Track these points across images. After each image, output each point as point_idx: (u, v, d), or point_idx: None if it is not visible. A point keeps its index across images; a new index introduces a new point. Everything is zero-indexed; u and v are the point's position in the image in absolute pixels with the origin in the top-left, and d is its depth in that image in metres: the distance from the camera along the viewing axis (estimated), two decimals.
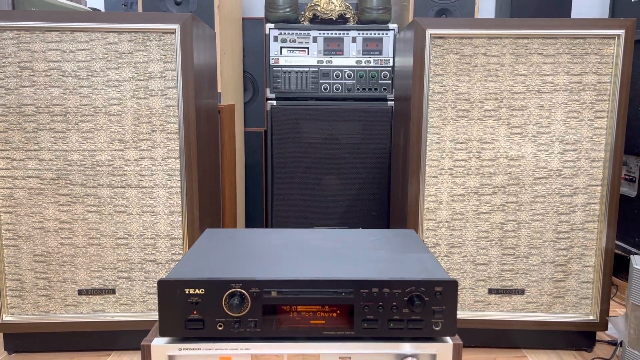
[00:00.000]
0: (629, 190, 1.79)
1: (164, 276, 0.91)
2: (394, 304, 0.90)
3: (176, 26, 1.34)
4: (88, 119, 1.37)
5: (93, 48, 1.34)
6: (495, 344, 1.53)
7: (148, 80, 1.37)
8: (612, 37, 1.36)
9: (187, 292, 0.90)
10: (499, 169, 1.42)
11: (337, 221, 2.56)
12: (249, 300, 0.90)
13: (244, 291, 0.90)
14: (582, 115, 1.39)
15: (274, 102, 2.48)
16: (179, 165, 1.39)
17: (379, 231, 1.23)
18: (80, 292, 1.43)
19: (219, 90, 2.19)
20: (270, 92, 2.50)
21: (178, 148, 1.38)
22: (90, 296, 1.43)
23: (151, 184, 1.40)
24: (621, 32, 1.35)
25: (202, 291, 0.90)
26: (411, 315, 0.91)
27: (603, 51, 1.37)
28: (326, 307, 0.91)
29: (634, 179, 1.77)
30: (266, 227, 2.58)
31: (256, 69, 2.69)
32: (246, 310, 0.90)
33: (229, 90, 2.32)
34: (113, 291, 1.43)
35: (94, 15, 1.33)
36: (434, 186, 1.43)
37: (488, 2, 2.89)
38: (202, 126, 1.49)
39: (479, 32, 1.36)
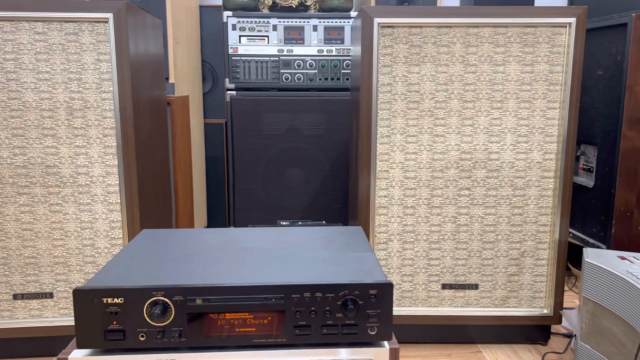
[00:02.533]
0: (587, 181, 1.78)
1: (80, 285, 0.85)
2: (327, 308, 0.86)
3: (109, 15, 1.26)
4: (17, 114, 1.29)
5: (20, 38, 1.26)
6: (450, 340, 1.50)
7: (81, 73, 1.29)
8: (563, 25, 1.32)
9: (105, 301, 0.84)
10: (451, 162, 1.38)
11: (300, 214, 2.52)
12: (172, 309, 0.84)
13: (166, 299, 0.84)
14: (534, 106, 1.36)
15: (234, 93, 2.41)
16: (116, 162, 1.32)
17: (325, 229, 1.19)
18: (15, 297, 1.36)
19: (171, 81, 2.11)
20: (229, 83, 2.42)
21: (115, 144, 1.31)
22: (27, 300, 1.36)
23: (88, 182, 1.33)
24: (572, 20, 1.31)
25: (121, 300, 0.84)
26: (345, 320, 0.86)
27: (555, 40, 1.33)
28: (256, 313, 0.86)
29: (591, 169, 1.76)
30: (228, 222, 2.52)
31: (215, 59, 2.61)
32: (169, 320, 0.84)
33: (184, 80, 2.24)
34: (51, 295, 1.37)
35: (20, 2, 1.25)
36: (385, 180, 1.39)
37: None
38: (144, 120, 1.42)
39: (428, 20, 1.32)
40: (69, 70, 1.28)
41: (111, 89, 1.29)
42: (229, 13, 2.39)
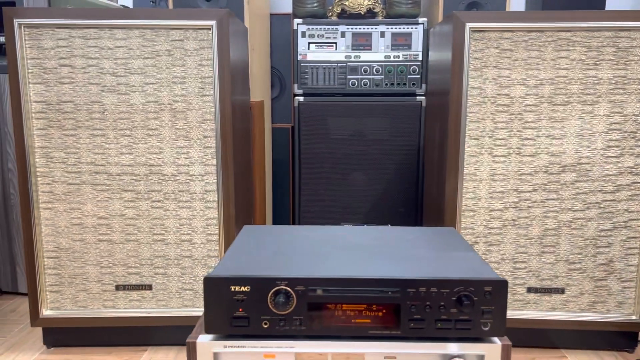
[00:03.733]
0: None
1: (207, 273, 0.91)
2: (442, 303, 0.89)
3: (213, 22, 1.33)
4: (125, 116, 1.37)
5: (130, 45, 1.35)
6: (534, 344, 1.50)
7: (185, 77, 1.37)
8: None
9: (232, 289, 0.89)
10: (540, 165, 1.39)
11: (363, 218, 2.55)
12: (295, 299, 0.89)
13: (289, 289, 0.89)
14: (627, 110, 1.36)
15: (302, 98, 2.47)
16: (215, 162, 1.39)
17: (417, 229, 1.21)
18: (117, 288, 1.44)
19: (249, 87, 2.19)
20: (297, 88, 2.49)
21: (214, 144, 1.38)
22: (128, 292, 1.44)
23: (187, 180, 1.40)
24: None
25: (247, 289, 0.89)
26: (459, 315, 0.89)
27: None
28: (372, 306, 0.90)
29: None
30: (293, 223, 2.58)
31: (283, 65, 2.68)
32: (291, 309, 0.89)
33: (258, 86, 2.32)
34: (150, 287, 1.44)
35: (131, 12, 1.34)
36: (472, 183, 1.41)
37: None
38: (237, 122, 1.49)
39: (519, 25, 1.33)
40: (173, 74, 1.36)
41: (212, 92, 1.36)
42: (299, 20, 2.45)
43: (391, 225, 2.41)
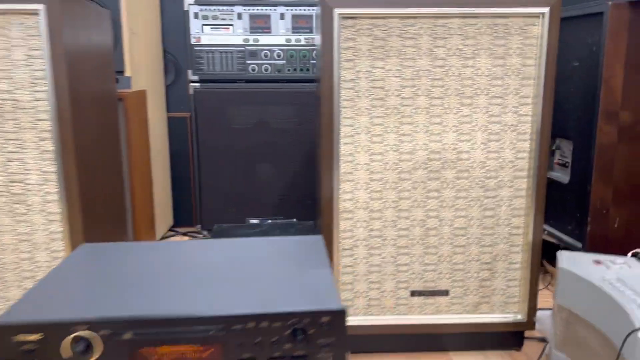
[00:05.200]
0: (562, 176, 1.71)
1: None
2: (274, 339, 0.77)
3: (40, 6, 1.14)
4: None
5: None
6: (420, 349, 1.43)
7: (11, 71, 1.17)
8: (536, 15, 1.24)
9: (20, 339, 0.74)
10: (419, 162, 1.30)
11: (271, 211, 2.42)
12: (98, 345, 0.74)
13: (91, 334, 0.74)
14: (506, 102, 1.28)
15: (198, 85, 2.29)
16: (54, 169, 1.21)
17: (282, 240, 1.09)
18: None
19: (127, 74, 1.99)
20: (192, 74, 2.30)
21: (53, 148, 1.20)
22: None
23: (23, 191, 1.21)
24: (546, 10, 1.23)
25: (40, 336, 0.74)
26: (295, 351, 0.78)
27: (527, 31, 1.25)
28: (195, 347, 0.77)
29: (567, 164, 1.69)
30: (195, 220, 2.41)
31: (178, 49, 2.48)
32: (96, 358, 0.75)
33: (143, 73, 2.12)
34: None
35: None
36: (349, 183, 1.30)
37: None
38: (87, 120, 1.30)
39: (392, 11, 1.22)
40: None
41: (46, 87, 1.17)
42: (191, 1, 2.26)
43: (297, 219, 2.30)
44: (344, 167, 1.29)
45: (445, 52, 1.25)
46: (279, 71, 2.34)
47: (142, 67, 2.10)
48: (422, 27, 1.24)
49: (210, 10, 2.31)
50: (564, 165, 1.71)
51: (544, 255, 1.88)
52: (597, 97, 1.51)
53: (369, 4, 1.21)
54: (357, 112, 1.27)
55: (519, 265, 1.36)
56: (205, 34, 2.32)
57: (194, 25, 2.30)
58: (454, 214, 1.33)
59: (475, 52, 1.25)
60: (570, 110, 1.66)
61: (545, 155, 1.30)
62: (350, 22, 1.23)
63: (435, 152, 1.29)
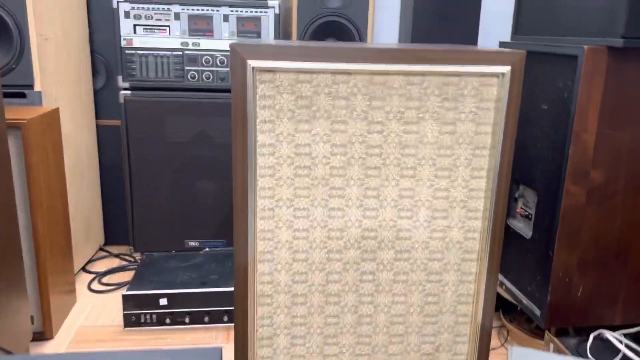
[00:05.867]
0: (525, 229, 1.53)
1: None
2: None
3: None
4: None
5: None
6: None
7: None
8: (494, 75, 1.02)
9: None
10: (351, 241, 1.09)
11: (213, 233, 2.20)
12: None
13: None
14: (455, 174, 1.07)
15: (129, 93, 2.03)
16: None
17: (172, 354, 0.89)
18: None
19: (37, 89, 1.72)
20: (123, 81, 2.04)
21: None
22: None
23: None
24: (506, 69, 1.01)
25: None
26: None
27: (483, 93, 1.03)
28: None
29: (530, 216, 1.50)
30: (130, 242, 2.17)
31: (109, 49, 2.20)
32: None
33: (59, 83, 1.85)
34: None
35: None
36: (268, 263, 1.09)
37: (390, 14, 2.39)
38: None
39: (320, 66, 0.99)
40: None
41: None
42: None
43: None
44: (261, 246, 1.08)
45: (384, 115, 1.03)
46: (222, 79, 2.09)
47: (58, 76, 1.83)
48: (356, 85, 1.01)
49: (143, 9, 2.03)
50: (527, 217, 1.52)
51: (501, 309, 1.72)
52: (565, 151, 1.31)
53: (291, 56, 0.98)
54: (278, 182, 1.05)
55: (464, 357, 1.18)
56: (137, 35, 2.04)
57: (125, 26, 2.03)
58: (391, 299, 1.13)
59: (420, 115, 1.03)
60: (535, 159, 1.46)
61: (499, 236, 1.10)
62: (267, 76, 0.99)
63: (370, 229, 1.09)
